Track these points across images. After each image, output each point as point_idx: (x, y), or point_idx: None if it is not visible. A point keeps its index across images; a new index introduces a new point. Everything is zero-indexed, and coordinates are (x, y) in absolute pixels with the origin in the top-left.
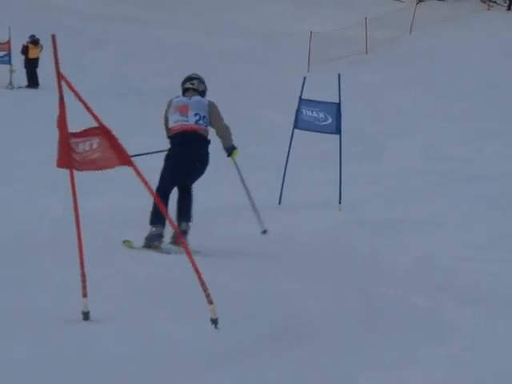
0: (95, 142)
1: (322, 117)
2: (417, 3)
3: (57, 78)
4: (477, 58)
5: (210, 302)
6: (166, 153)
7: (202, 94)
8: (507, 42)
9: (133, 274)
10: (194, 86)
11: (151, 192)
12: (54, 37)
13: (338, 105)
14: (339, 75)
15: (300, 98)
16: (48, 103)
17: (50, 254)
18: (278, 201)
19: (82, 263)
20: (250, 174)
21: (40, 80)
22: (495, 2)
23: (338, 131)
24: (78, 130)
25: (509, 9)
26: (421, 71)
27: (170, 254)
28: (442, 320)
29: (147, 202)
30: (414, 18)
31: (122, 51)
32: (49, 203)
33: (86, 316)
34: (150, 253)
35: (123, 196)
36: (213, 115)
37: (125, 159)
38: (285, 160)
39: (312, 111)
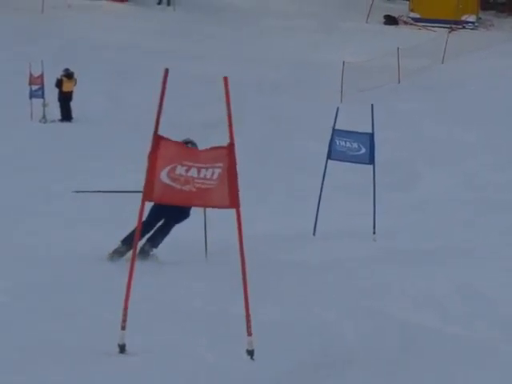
0: (217, 171)
1: (355, 147)
2: (449, 32)
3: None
4: (509, 86)
5: (250, 334)
6: None
7: None
8: None
9: (159, 304)
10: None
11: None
12: (166, 70)
13: (372, 135)
14: (372, 105)
15: (333, 128)
16: (82, 136)
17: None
18: (312, 231)
19: (127, 296)
20: (287, 204)
21: (73, 113)
22: None
23: (372, 161)
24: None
25: None
26: (454, 100)
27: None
28: (483, 349)
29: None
30: (446, 48)
31: (159, 85)
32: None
33: (122, 349)
34: (183, 280)
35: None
36: None
37: (235, 201)
38: (319, 190)
39: (345, 141)
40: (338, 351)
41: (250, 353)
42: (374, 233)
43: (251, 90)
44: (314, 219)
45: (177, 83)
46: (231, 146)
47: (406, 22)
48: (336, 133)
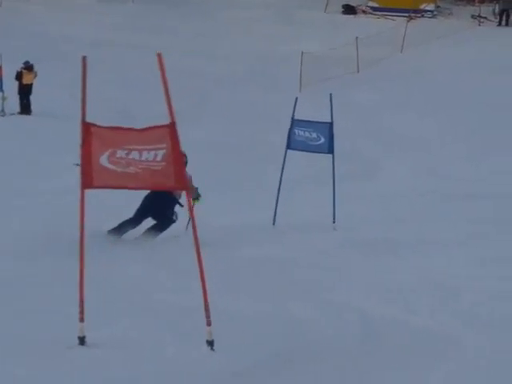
0: (161, 152)
1: (314, 137)
2: (408, 21)
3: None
4: (468, 75)
5: (209, 324)
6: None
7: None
8: (498, 57)
9: (129, 296)
10: None
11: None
12: (84, 58)
13: (331, 124)
14: (331, 95)
15: (292, 118)
16: (41, 130)
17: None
18: (272, 221)
19: (81, 288)
20: (247, 195)
21: (32, 106)
22: (486, 18)
23: (331, 151)
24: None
25: (499, 24)
26: (412, 89)
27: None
28: (445, 339)
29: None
30: (405, 37)
31: (119, 77)
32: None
33: (82, 341)
34: (147, 273)
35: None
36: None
37: (182, 182)
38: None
39: (304, 131)
40: (300, 343)
41: (210, 343)
42: (334, 222)
43: (211, 83)
44: (274, 210)
45: (135, 76)
46: (172, 124)
47: (364, 12)
48: (295, 123)
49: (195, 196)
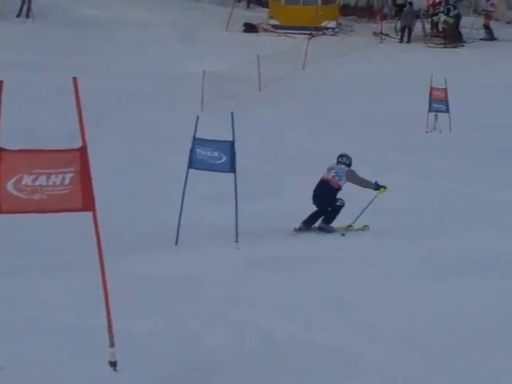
0: (69, 176)
1: (216, 156)
2: (309, 39)
3: None
4: (369, 91)
5: (112, 345)
6: None
7: (348, 165)
8: (400, 73)
9: (32, 318)
10: (342, 160)
11: None
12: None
13: (232, 143)
14: (232, 114)
15: (194, 137)
16: None
17: None
18: (174, 241)
19: None
20: (148, 214)
21: None
22: (387, 35)
23: (233, 170)
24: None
25: (401, 41)
26: (314, 106)
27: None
28: (347, 357)
29: None
30: (307, 54)
31: (19, 97)
32: None
33: None
34: (50, 294)
35: None
36: (349, 177)
37: (89, 204)
38: (186, 200)
39: (206, 150)
40: (203, 362)
41: (113, 364)
42: (237, 241)
43: (112, 102)
44: (176, 228)
45: (38, 96)
46: (83, 149)
47: (265, 30)
48: (197, 142)
49: (375, 187)
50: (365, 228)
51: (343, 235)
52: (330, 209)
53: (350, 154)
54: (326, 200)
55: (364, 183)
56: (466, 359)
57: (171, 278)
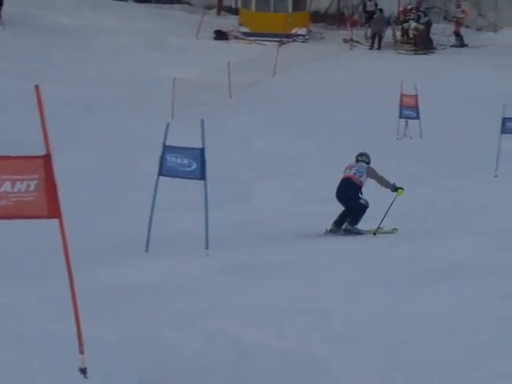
0: (33, 183)
1: (186, 163)
2: (279, 46)
3: None
4: (339, 98)
5: (82, 352)
6: None
7: (368, 163)
8: (370, 80)
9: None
10: (362, 158)
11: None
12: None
13: (202, 150)
14: (202, 121)
15: (164, 144)
16: None
17: None
18: (145, 248)
19: None
20: (119, 222)
21: None
22: (358, 42)
23: (203, 177)
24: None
25: (371, 48)
26: (285, 112)
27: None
28: (316, 364)
29: None
30: (277, 61)
31: None
32: None
33: None
34: (18, 301)
35: None
36: (369, 173)
37: (54, 211)
38: (156, 208)
39: (176, 158)
40: (174, 369)
41: (83, 371)
42: (207, 248)
43: (83, 110)
44: (147, 236)
45: (5, 103)
46: (47, 156)
47: (236, 37)
48: (166, 149)
49: (393, 189)
50: (393, 231)
51: (374, 234)
52: (355, 207)
53: (316, 162)
54: (349, 195)
55: (383, 181)
56: (434, 364)
57: (141, 285)
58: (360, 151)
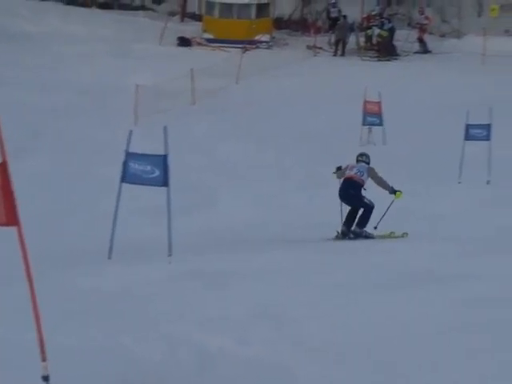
0: None
1: (148, 170)
2: (243, 52)
3: None
4: (303, 104)
5: (44, 359)
6: None
7: (368, 163)
8: (333, 85)
9: None
10: (362, 158)
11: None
12: None
13: (165, 157)
14: (165, 127)
15: (126, 151)
16: None
17: None
18: (108, 255)
19: None
20: (81, 229)
21: None
22: (321, 48)
23: (166, 184)
24: None
25: (335, 54)
26: (248, 119)
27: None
28: (279, 370)
29: None
30: (241, 68)
31: None
32: None
33: None
34: None
35: None
36: (370, 173)
37: (12, 219)
38: (120, 214)
39: (139, 164)
40: (137, 376)
41: (46, 378)
42: (170, 255)
43: (47, 116)
44: (110, 243)
45: None
46: (3, 164)
47: (199, 44)
48: (129, 156)
49: (392, 191)
50: (403, 235)
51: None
52: (360, 206)
53: (280, 168)
54: (352, 194)
55: (382, 183)
56: (401, 370)
57: (104, 292)
58: (360, 151)
